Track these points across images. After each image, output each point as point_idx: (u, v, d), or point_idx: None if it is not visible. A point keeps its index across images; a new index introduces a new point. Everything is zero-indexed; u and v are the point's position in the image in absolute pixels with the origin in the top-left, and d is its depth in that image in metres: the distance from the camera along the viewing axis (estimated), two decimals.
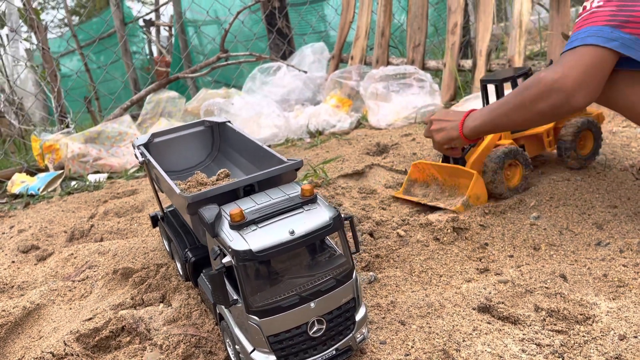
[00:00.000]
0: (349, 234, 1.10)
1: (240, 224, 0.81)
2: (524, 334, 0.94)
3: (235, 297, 0.83)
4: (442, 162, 1.58)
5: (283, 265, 0.84)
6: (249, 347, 0.83)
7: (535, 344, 0.91)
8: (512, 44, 2.71)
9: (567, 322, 0.96)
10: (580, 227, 1.30)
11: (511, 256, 1.21)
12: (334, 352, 0.86)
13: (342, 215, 0.88)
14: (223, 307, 0.90)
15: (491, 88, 1.59)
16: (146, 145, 1.28)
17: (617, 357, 0.86)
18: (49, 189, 2.48)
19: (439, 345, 0.93)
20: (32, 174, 2.70)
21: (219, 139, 1.38)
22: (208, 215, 0.85)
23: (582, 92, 1.11)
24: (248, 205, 0.87)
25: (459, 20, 2.96)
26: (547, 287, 1.07)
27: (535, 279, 1.10)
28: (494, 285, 1.09)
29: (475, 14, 2.92)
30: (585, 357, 0.87)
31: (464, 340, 0.94)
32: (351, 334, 0.87)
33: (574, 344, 0.90)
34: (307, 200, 0.86)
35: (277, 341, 0.81)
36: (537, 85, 1.15)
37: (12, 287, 1.38)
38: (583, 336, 0.92)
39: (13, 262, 1.53)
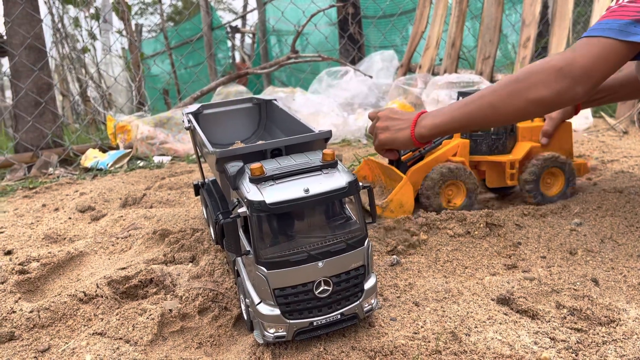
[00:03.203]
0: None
1: (259, 178, 0.84)
2: (539, 328, 0.90)
3: (248, 248, 0.86)
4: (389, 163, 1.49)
5: (296, 222, 0.87)
6: (257, 299, 0.86)
7: (550, 337, 0.87)
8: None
9: (588, 322, 0.92)
10: (625, 238, 1.23)
11: (543, 257, 1.17)
12: (339, 316, 0.87)
13: (361, 184, 0.89)
14: (239, 262, 0.94)
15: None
16: (196, 115, 1.35)
17: None
18: (117, 166, 2.65)
19: (449, 328, 0.91)
20: (104, 150, 2.89)
21: (266, 117, 1.43)
22: (232, 169, 0.89)
23: (586, 82, 1.08)
24: (271, 165, 0.91)
25: (532, 34, 2.89)
26: (575, 289, 1.02)
27: (564, 280, 1.06)
28: (518, 281, 1.06)
29: (550, 28, 2.84)
30: (602, 357, 0.83)
31: (475, 327, 0.92)
32: (358, 302, 0.88)
33: (592, 342, 0.86)
34: (328, 165, 0.88)
35: (283, 295, 0.83)
36: (543, 70, 1.10)
37: (65, 238, 1.49)
38: (603, 337, 0.87)
39: (70, 218, 1.64)
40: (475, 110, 1.19)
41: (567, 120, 1.50)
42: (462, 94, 1.50)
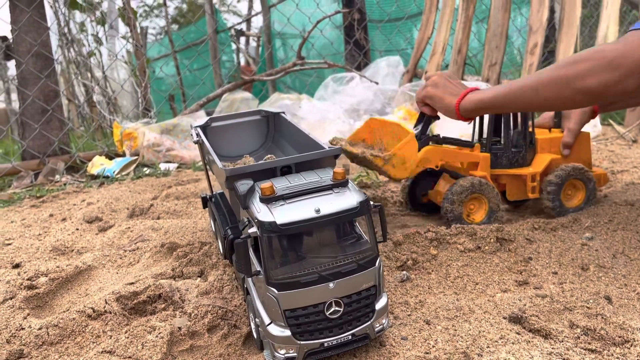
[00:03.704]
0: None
1: (269, 198, 0.84)
2: (553, 348, 0.89)
3: (258, 268, 0.86)
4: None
5: (307, 242, 0.86)
6: (267, 320, 0.85)
7: (564, 358, 0.86)
8: None
9: (602, 343, 0.91)
10: (638, 253, 1.22)
11: (555, 273, 1.16)
12: (350, 337, 0.86)
13: (372, 203, 0.88)
14: (249, 281, 0.93)
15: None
16: (204, 128, 1.35)
17: None
18: (123, 173, 2.65)
19: (461, 348, 0.90)
20: (110, 157, 2.89)
21: (274, 130, 1.43)
22: (242, 188, 0.88)
23: (636, 79, 1.03)
24: (281, 183, 0.90)
25: (539, 40, 2.88)
26: (588, 307, 1.01)
27: (577, 298, 1.05)
28: (530, 298, 1.05)
29: (558, 34, 2.82)
30: None
31: (487, 347, 0.91)
32: (369, 322, 0.87)
33: None
34: (338, 184, 0.88)
35: (293, 316, 0.83)
36: (593, 59, 1.06)
37: (72, 250, 1.48)
38: (617, 358, 0.86)
39: (77, 229, 1.64)
40: (519, 92, 1.17)
41: (585, 131, 1.50)
42: None
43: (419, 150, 1.37)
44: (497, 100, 1.20)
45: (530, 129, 1.45)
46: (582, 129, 1.50)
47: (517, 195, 1.46)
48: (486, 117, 1.46)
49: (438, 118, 1.40)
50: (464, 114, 1.27)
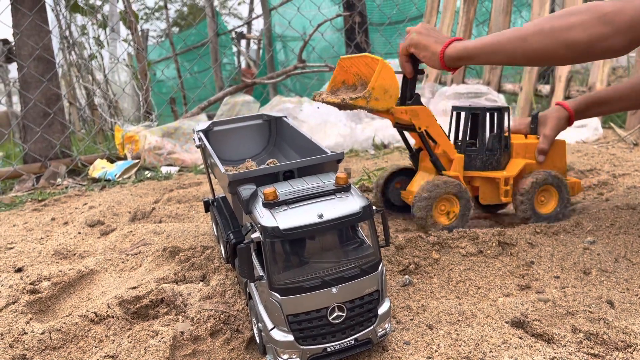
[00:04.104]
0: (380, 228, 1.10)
1: (272, 203, 0.84)
2: (555, 353, 0.89)
3: (261, 273, 0.86)
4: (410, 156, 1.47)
5: (309, 247, 0.86)
6: (270, 325, 0.85)
7: None
8: (594, 71, 2.60)
9: (605, 347, 0.91)
10: None
11: (557, 277, 1.16)
12: (353, 342, 0.86)
13: (374, 208, 0.88)
14: (252, 285, 0.93)
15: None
16: (206, 133, 1.35)
17: None
18: (125, 176, 2.65)
19: (463, 353, 0.90)
20: (112, 161, 2.89)
21: (275, 134, 1.43)
22: (244, 193, 0.88)
23: (627, 35, 1.03)
24: (284, 188, 0.90)
25: None
26: (590, 312, 1.01)
27: (579, 302, 1.05)
28: (532, 302, 1.05)
29: None
30: None
31: (490, 351, 0.91)
32: (372, 327, 0.87)
33: None
34: (341, 189, 0.88)
35: (296, 321, 0.83)
36: (587, 11, 1.05)
37: (75, 254, 1.49)
38: None
39: (79, 233, 1.64)
40: (505, 41, 1.16)
41: (561, 139, 1.48)
42: (456, 108, 1.49)
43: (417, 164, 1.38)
44: (482, 48, 1.18)
45: (506, 133, 1.44)
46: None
47: (490, 199, 1.44)
48: (462, 118, 1.45)
49: (422, 72, 1.37)
50: (448, 62, 1.24)
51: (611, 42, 1.05)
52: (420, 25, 1.32)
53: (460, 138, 1.46)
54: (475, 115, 1.45)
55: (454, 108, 1.49)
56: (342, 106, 1.31)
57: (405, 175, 1.56)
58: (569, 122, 1.49)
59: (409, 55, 1.34)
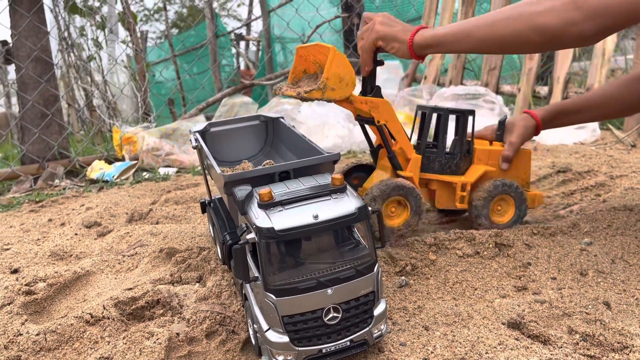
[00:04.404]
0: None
1: (267, 204, 0.84)
2: (551, 354, 0.89)
3: (256, 274, 0.85)
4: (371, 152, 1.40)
5: (305, 248, 0.86)
6: (265, 326, 0.85)
7: None
8: (592, 73, 2.60)
9: (601, 349, 0.90)
10: (637, 258, 1.22)
11: (554, 278, 1.16)
12: (348, 343, 0.86)
13: (370, 209, 0.88)
14: (247, 286, 0.93)
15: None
16: (203, 134, 1.35)
17: None
18: (123, 177, 2.65)
19: (459, 354, 0.90)
20: (110, 162, 2.89)
21: (272, 135, 1.43)
22: (240, 194, 0.88)
23: (597, 20, 1.02)
24: (279, 189, 0.90)
25: None
26: (587, 313, 1.01)
27: (576, 303, 1.05)
28: (529, 304, 1.04)
29: None
30: None
31: (486, 352, 0.90)
32: (368, 328, 0.87)
33: None
34: (336, 189, 0.88)
35: (292, 322, 0.83)
36: None
37: (71, 255, 1.48)
38: None
39: (76, 234, 1.64)
40: (474, 27, 1.13)
41: (527, 149, 1.45)
42: (420, 108, 1.44)
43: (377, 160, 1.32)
44: (453, 35, 1.15)
45: (470, 138, 1.39)
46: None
47: (446, 204, 1.40)
48: (426, 118, 1.40)
49: (382, 63, 1.33)
50: (417, 51, 1.21)
51: (581, 27, 1.04)
52: (382, 16, 1.26)
53: (421, 139, 1.40)
54: (438, 117, 1.40)
55: (418, 107, 1.44)
56: (301, 99, 1.27)
57: (364, 171, 1.47)
58: (536, 131, 1.46)
59: (374, 49, 1.29)
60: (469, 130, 1.38)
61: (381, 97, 1.31)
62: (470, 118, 1.37)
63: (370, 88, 1.33)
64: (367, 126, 1.40)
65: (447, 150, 1.39)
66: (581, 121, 1.53)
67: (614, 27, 1.06)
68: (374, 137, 1.42)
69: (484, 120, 2.54)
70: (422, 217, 1.31)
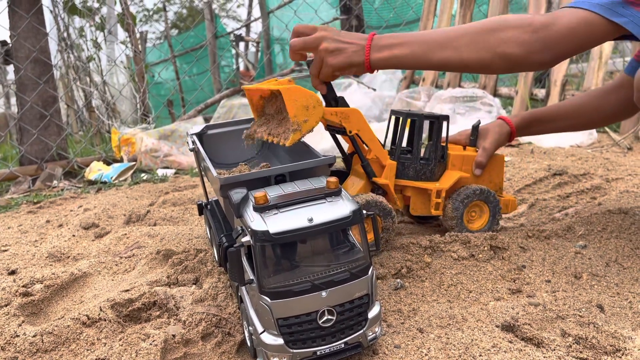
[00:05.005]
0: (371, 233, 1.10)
1: (263, 207, 0.85)
2: (545, 357, 0.90)
3: (251, 277, 0.86)
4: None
5: (300, 251, 0.87)
6: (260, 328, 0.85)
7: None
8: (589, 75, 2.61)
9: (594, 352, 0.91)
10: (631, 261, 1.22)
11: (548, 281, 1.16)
12: (343, 345, 0.86)
13: (365, 212, 0.89)
14: (243, 289, 0.94)
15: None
16: (200, 136, 1.36)
17: None
18: (121, 179, 2.65)
19: (453, 356, 0.91)
20: (108, 163, 2.90)
21: None
22: (235, 197, 0.89)
23: (556, 50, 1.08)
24: (274, 192, 0.91)
25: None
26: (580, 315, 1.01)
27: (570, 306, 1.05)
28: (523, 306, 1.05)
29: None
30: None
31: (480, 355, 0.91)
32: (362, 330, 0.88)
33: None
34: (331, 193, 0.88)
35: (286, 325, 0.83)
36: (520, 27, 1.09)
37: (68, 257, 1.49)
38: None
39: (74, 236, 1.65)
40: (437, 47, 1.13)
41: (500, 154, 1.44)
42: (394, 113, 1.41)
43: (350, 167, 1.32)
44: (413, 58, 1.15)
45: (444, 144, 1.38)
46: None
47: (421, 210, 1.37)
48: (400, 124, 1.39)
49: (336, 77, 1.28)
50: (375, 68, 1.19)
51: (542, 55, 1.10)
52: (323, 30, 1.20)
53: (395, 144, 1.38)
54: (412, 122, 1.39)
55: (392, 112, 1.42)
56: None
57: (338, 177, 1.46)
58: (510, 137, 1.46)
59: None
60: (444, 135, 1.38)
61: (347, 106, 1.30)
62: (444, 123, 1.36)
63: (334, 101, 1.30)
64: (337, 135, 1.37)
65: (422, 155, 1.37)
66: (557, 130, 1.53)
67: (570, 54, 1.13)
68: (345, 144, 1.39)
69: (483, 122, 2.55)
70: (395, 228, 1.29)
